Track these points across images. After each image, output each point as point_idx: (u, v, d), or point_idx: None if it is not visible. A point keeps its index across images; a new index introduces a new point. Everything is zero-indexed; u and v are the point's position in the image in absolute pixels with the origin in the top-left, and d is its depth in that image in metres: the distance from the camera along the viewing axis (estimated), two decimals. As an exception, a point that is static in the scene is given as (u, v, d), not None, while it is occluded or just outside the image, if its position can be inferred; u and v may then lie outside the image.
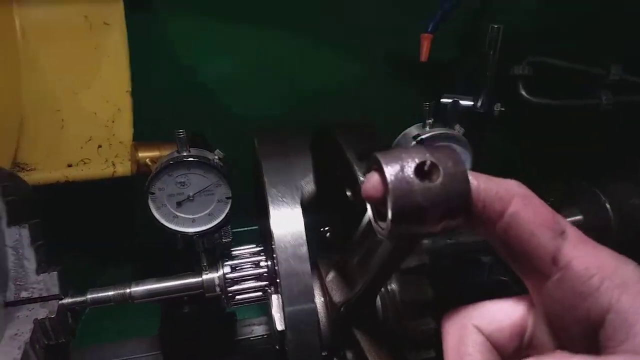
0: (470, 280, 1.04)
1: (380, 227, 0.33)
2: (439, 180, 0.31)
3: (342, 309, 0.60)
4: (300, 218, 0.64)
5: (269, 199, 0.65)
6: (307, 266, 0.62)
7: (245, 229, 0.97)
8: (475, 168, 1.00)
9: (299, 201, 0.65)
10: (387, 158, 0.32)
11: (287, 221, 0.64)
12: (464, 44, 1.01)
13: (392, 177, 0.31)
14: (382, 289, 0.63)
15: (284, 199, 0.65)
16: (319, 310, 0.65)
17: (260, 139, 0.71)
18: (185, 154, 0.68)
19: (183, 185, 0.68)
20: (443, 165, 0.32)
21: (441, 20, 0.90)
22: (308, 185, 0.71)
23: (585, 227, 0.79)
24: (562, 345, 0.32)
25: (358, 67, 1.10)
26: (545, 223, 0.31)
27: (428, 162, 0.31)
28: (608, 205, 0.77)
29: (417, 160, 0.31)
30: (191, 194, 0.69)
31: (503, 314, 0.34)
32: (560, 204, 0.84)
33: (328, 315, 0.66)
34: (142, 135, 1.04)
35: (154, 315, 1.01)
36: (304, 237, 0.64)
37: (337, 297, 0.62)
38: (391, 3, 1.03)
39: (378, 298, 0.66)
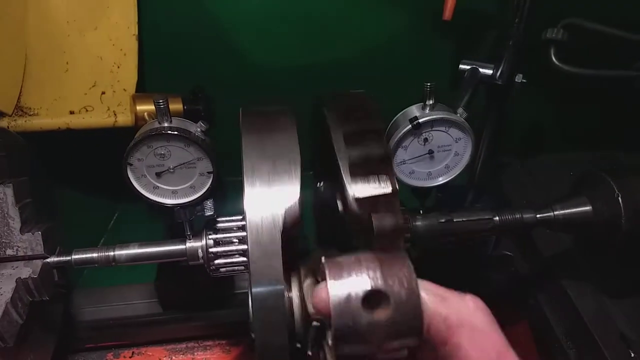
0: (474, 254, 1.01)
1: (328, 342, 0.32)
2: (388, 313, 0.30)
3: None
4: (276, 201, 0.61)
5: (245, 177, 0.62)
6: (279, 249, 0.60)
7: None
8: (493, 141, 0.93)
9: (277, 182, 0.62)
10: (335, 275, 0.30)
11: (261, 202, 0.61)
12: (496, 4, 0.91)
13: (337, 307, 0.30)
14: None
15: (260, 179, 0.62)
16: (294, 305, 0.63)
17: (245, 113, 0.67)
18: (165, 125, 0.65)
19: (163, 157, 0.66)
20: (394, 294, 0.30)
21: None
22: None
23: (593, 218, 0.74)
24: None
25: (390, 22, 1.02)
26: None
27: (377, 291, 0.29)
28: (620, 200, 0.71)
29: (366, 288, 0.30)
30: (171, 167, 0.66)
31: None
32: (571, 192, 0.78)
33: (302, 316, 0.64)
34: (151, 84, 1.01)
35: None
36: (279, 220, 0.61)
37: (310, 307, 0.60)
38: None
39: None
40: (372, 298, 0.31)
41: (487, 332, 0.33)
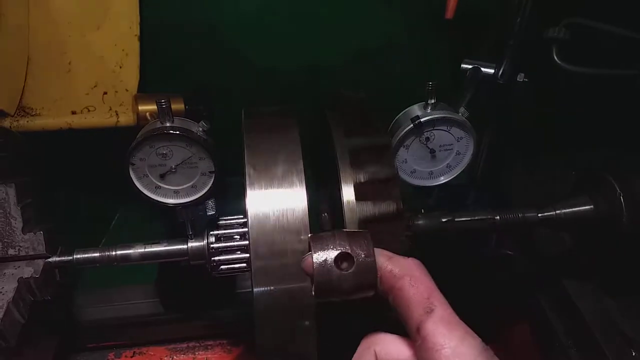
0: (475, 253, 1.00)
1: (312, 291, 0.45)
2: (352, 269, 0.44)
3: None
4: (277, 200, 0.62)
5: (247, 177, 0.63)
6: (282, 248, 0.61)
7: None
8: (495, 140, 0.93)
9: (277, 183, 0.63)
10: (317, 246, 0.45)
11: (263, 202, 0.62)
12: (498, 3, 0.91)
13: (317, 268, 0.44)
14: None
15: (262, 180, 0.63)
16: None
17: (247, 115, 0.67)
18: (168, 125, 0.65)
19: (165, 157, 0.66)
20: (357, 256, 0.45)
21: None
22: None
23: (595, 217, 0.74)
24: None
25: (392, 21, 1.02)
26: (419, 300, 0.43)
27: (345, 254, 0.45)
28: (622, 199, 0.71)
29: (337, 252, 0.44)
30: (173, 166, 0.67)
31: (396, 349, 0.46)
32: (573, 191, 0.78)
33: None
34: (152, 84, 1.01)
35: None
36: (281, 220, 0.62)
37: None
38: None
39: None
40: (342, 259, 0.44)
41: (421, 279, 0.44)
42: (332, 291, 0.44)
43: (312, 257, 0.44)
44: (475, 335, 0.41)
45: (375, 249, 0.46)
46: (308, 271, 0.45)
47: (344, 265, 0.44)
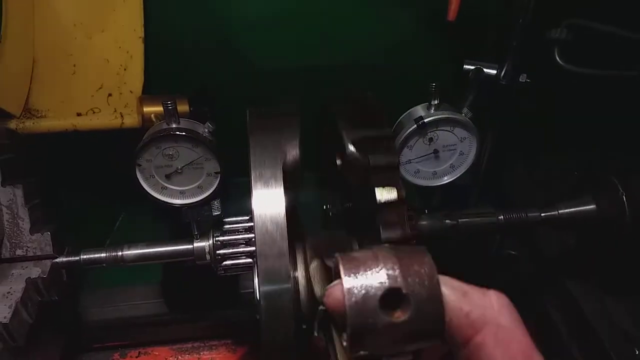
0: (478, 253, 1.01)
1: (341, 342, 0.29)
2: (407, 315, 0.27)
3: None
4: (282, 200, 0.62)
5: (253, 178, 0.63)
6: (285, 246, 0.61)
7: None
8: (498, 140, 0.94)
9: (282, 182, 0.63)
10: (350, 273, 0.27)
11: (269, 202, 0.62)
12: (500, 4, 0.92)
13: (353, 307, 0.27)
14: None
15: (267, 179, 0.63)
16: (300, 291, 0.63)
17: (252, 115, 0.68)
18: (174, 126, 0.65)
19: (171, 158, 0.66)
20: (414, 294, 0.27)
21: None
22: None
23: (597, 217, 0.75)
24: None
25: (395, 22, 1.02)
26: None
27: (397, 290, 0.27)
28: (624, 198, 0.71)
29: (384, 287, 0.27)
30: (179, 167, 0.67)
31: None
32: (575, 191, 0.78)
33: (308, 297, 0.65)
34: (156, 86, 1.02)
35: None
36: (284, 219, 0.62)
37: (317, 289, 0.60)
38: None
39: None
40: (391, 297, 0.28)
41: (512, 330, 0.30)
42: (375, 344, 0.27)
43: (344, 291, 0.28)
44: None
45: (440, 277, 0.30)
46: (336, 309, 0.29)
47: (395, 305, 0.28)
